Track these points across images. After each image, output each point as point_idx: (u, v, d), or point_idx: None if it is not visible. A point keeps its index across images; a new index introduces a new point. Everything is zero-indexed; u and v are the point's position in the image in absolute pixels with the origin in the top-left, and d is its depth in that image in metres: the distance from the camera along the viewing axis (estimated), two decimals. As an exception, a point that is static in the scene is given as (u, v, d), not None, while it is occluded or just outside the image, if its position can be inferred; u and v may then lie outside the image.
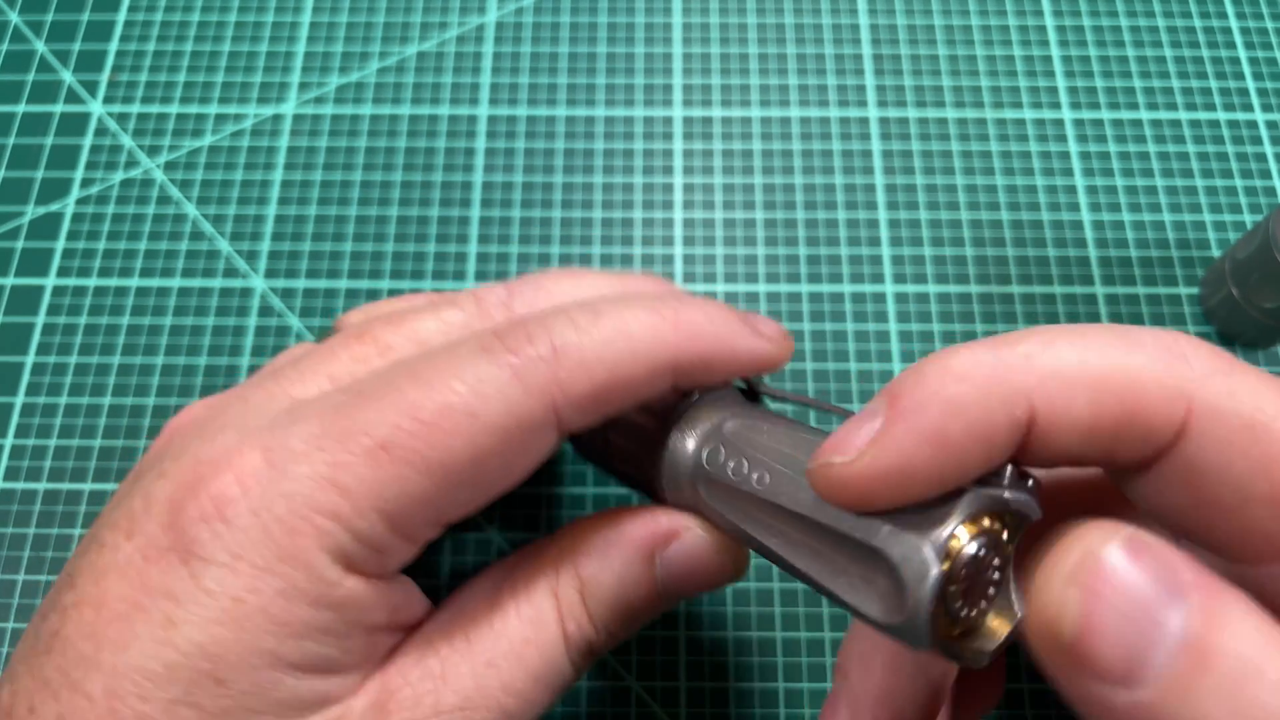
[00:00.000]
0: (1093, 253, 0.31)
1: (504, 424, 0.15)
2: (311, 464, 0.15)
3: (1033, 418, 0.13)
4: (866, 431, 0.14)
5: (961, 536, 0.13)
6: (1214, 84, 0.34)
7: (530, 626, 0.17)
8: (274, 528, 0.15)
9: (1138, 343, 0.13)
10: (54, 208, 0.31)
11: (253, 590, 0.14)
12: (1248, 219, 0.31)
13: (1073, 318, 0.30)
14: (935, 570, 0.13)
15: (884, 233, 0.31)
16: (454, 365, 0.16)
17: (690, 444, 0.18)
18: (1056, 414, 0.13)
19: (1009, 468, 0.14)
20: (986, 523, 0.14)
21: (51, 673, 0.14)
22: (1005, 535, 0.14)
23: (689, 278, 0.31)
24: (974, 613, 0.14)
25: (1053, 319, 0.30)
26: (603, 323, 0.16)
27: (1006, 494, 0.14)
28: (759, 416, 0.18)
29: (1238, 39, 0.34)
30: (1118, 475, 0.14)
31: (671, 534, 0.18)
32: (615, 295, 0.18)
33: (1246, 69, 0.34)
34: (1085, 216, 0.31)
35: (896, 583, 0.13)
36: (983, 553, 0.13)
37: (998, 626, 0.14)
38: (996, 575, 0.14)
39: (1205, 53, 0.34)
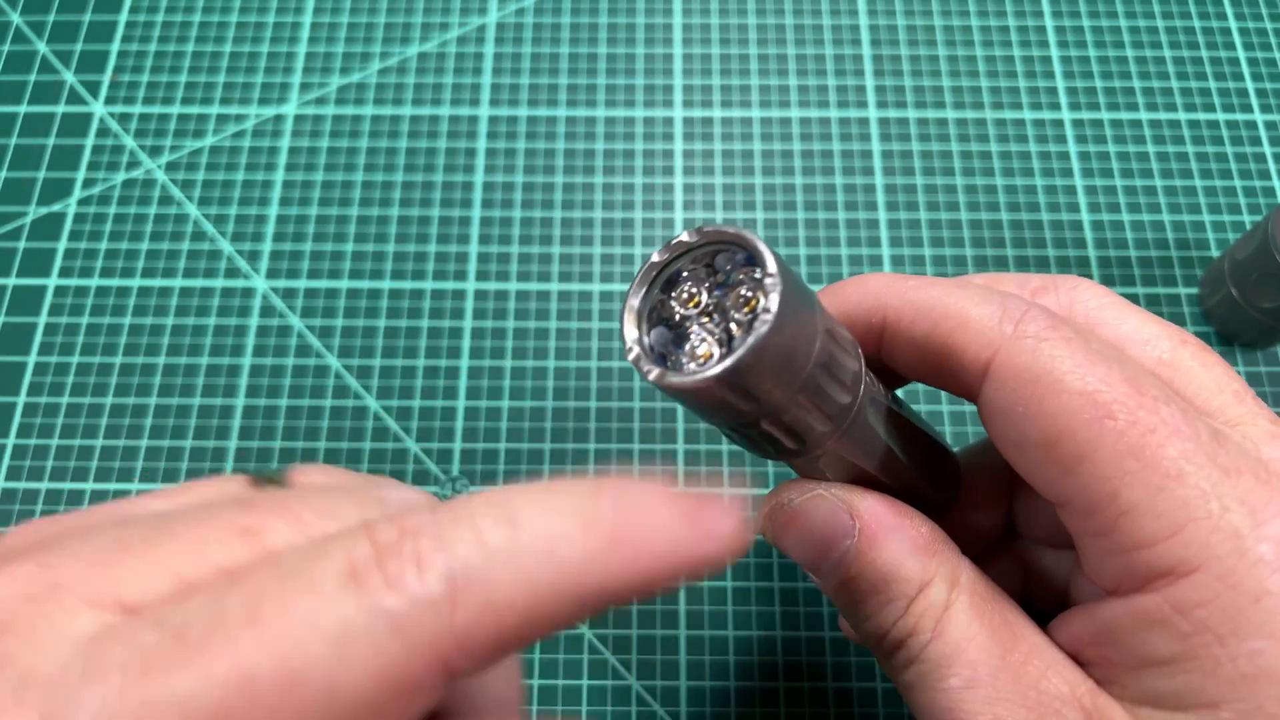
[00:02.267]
0: (1092, 253, 0.31)
1: (373, 698, 0.11)
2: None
3: (884, 328, 0.17)
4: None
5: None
6: (1213, 85, 0.34)
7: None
8: None
9: (985, 300, 0.16)
10: (56, 208, 0.31)
11: None
12: (1247, 219, 0.31)
13: (1072, 318, 0.30)
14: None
15: (884, 233, 0.31)
16: (308, 606, 0.11)
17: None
18: (900, 329, 0.17)
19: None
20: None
21: None
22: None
23: (689, 278, 0.31)
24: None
25: (1052, 319, 0.30)
26: (519, 541, 0.12)
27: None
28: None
29: (1237, 40, 0.34)
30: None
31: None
32: (536, 489, 0.13)
33: (1246, 70, 0.34)
34: (1085, 217, 0.32)
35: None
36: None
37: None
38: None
39: (1205, 53, 0.34)
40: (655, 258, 0.16)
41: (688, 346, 0.16)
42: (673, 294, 0.16)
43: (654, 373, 0.15)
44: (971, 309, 0.16)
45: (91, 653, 0.11)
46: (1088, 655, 0.16)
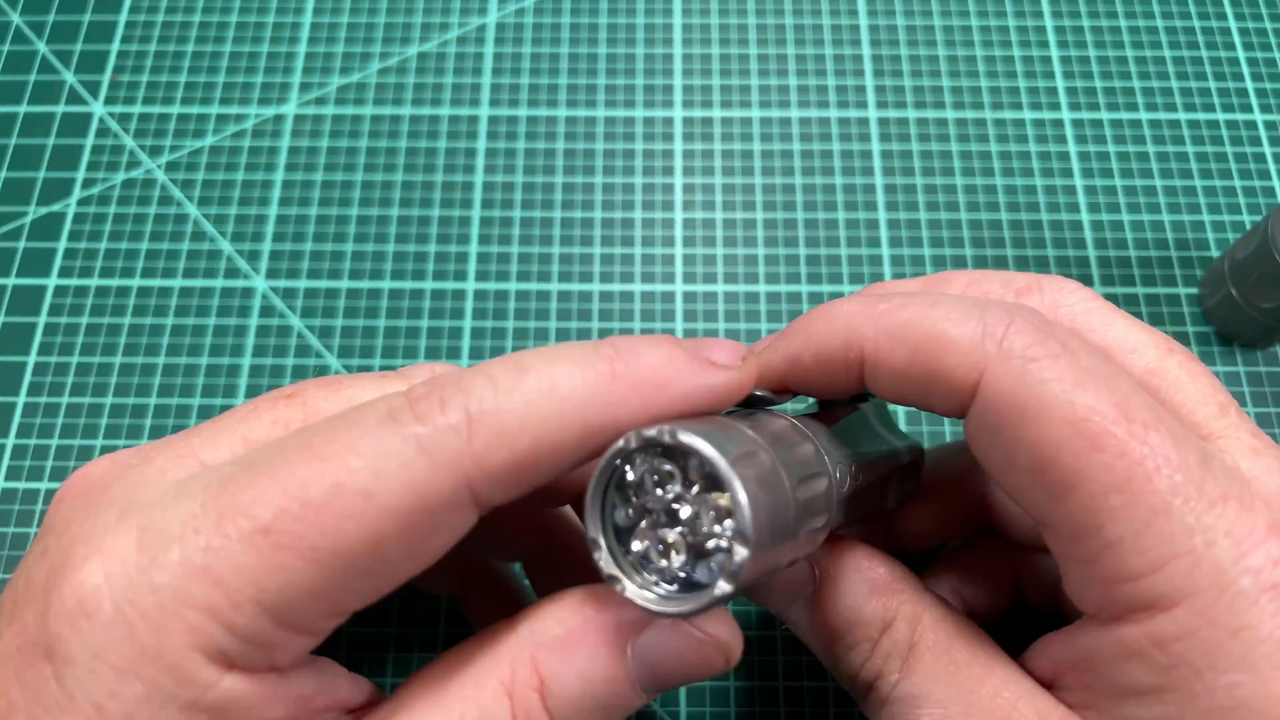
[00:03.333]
0: (1092, 253, 0.31)
1: (405, 505, 0.13)
2: (185, 549, 0.13)
3: (864, 361, 0.16)
4: (759, 347, 0.18)
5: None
6: (1213, 84, 0.34)
7: None
8: (138, 624, 0.13)
9: (964, 316, 0.16)
10: (56, 208, 0.31)
11: (113, 695, 0.13)
12: (1247, 219, 0.31)
13: (1072, 318, 0.30)
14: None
15: (884, 233, 0.31)
16: (352, 435, 0.14)
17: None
18: (880, 360, 0.16)
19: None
20: None
21: None
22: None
23: (689, 278, 0.31)
24: None
25: (1052, 319, 0.30)
26: (527, 381, 0.14)
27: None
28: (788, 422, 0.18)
29: (1237, 40, 0.34)
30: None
31: (644, 619, 0.15)
32: (547, 348, 0.16)
33: (1245, 70, 0.34)
34: (1085, 217, 0.32)
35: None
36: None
37: None
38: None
39: (1204, 53, 0.34)
40: (602, 464, 0.14)
41: (656, 547, 0.14)
42: (632, 495, 0.15)
43: (649, 599, 0.14)
44: (952, 330, 0.15)
45: (182, 486, 0.14)
46: (1066, 681, 0.16)
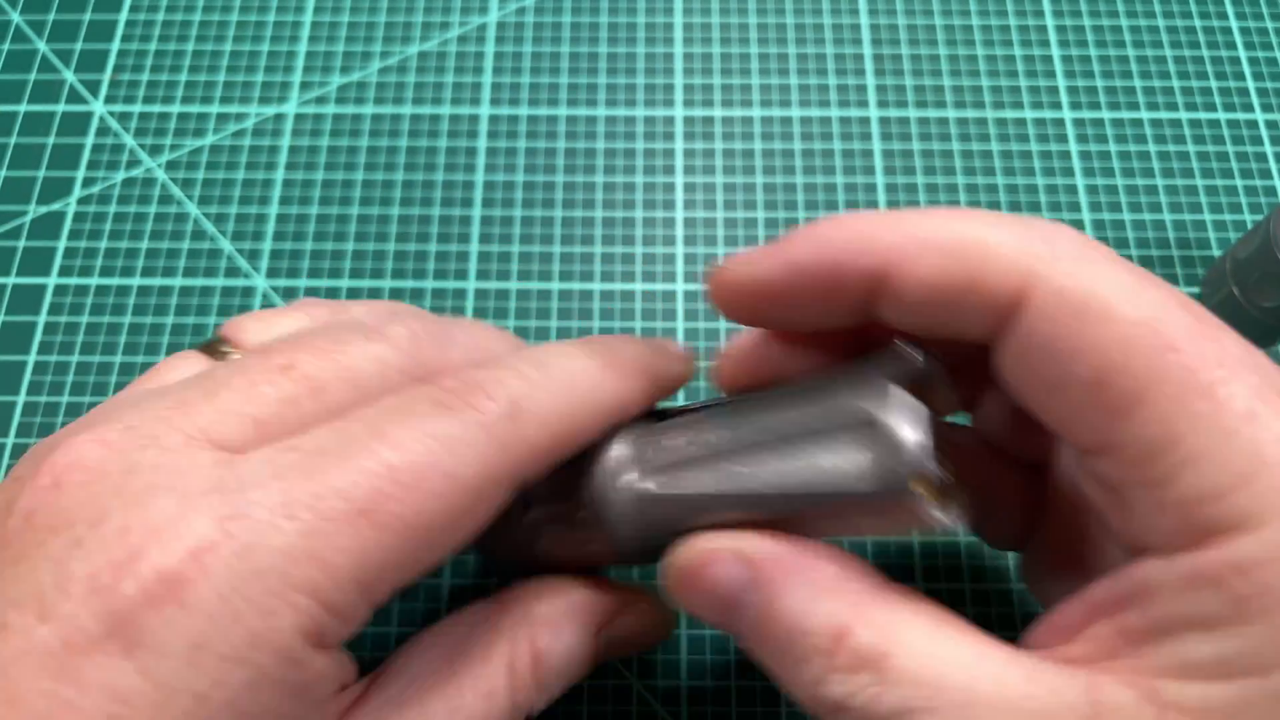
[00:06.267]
0: (1093, 252, 0.31)
1: (478, 484, 0.15)
2: (284, 535, 0.13)
3: (886, 272, 0.15)
4: (742, 258, 0.17)
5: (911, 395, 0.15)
6: (1214, 84, 0.34)
7: (484, 700, 0.16)
8: (246, 611, 0.13)
9: (999, 221, 0.14)
10: (56, 207, 0.31)
11: (218, 684, 0.13)
12: (1248, 218, 0.31)
13: (1073, 317, 0.30)
14: (925, 412, 0.14)
15: (885, 232, 0.31)
16: (420, 423, 0.15)
17: (620, 448, 0.18)
18: (905, 270, 0.14)
19: (899, 345, 0.15)
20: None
21: None
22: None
23: (690, 277, 0.31)
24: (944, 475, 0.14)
25: (1053, 318, 0.30)
26: (552, 374, 0.16)
27: (920, 360, 0.15)
28: (659, 417, 0.19)
29: (1238, 39, 0.34)
30: (990, 355, 0.15)
31: (620, 610, 0.18)
32: (549, 345, 0.18)
33: (1246, 69, 0.34)
34: (1086, 216, 0.32)
35: (885, 442, 0.14)
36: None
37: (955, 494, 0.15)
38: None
39: (1205, 52, 0.34)
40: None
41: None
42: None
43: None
44: (991, 233, 0.14)
45: (236, 471, 0.14)
46: (1093, 631, 0.14)
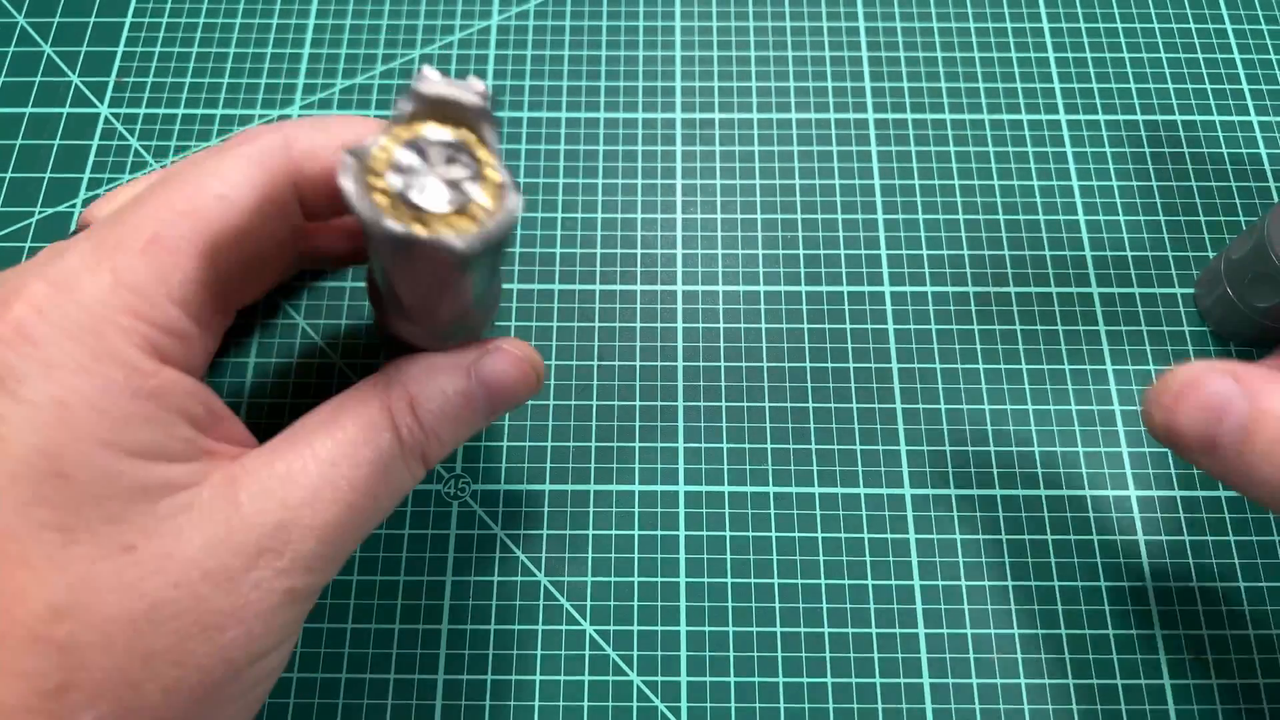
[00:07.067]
0: (1089, 253, 0.31)
1: (252, 201, 0.18)
2: (96, 274, 0.16)
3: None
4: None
5: (386, 145, 0.16)
6: (1209, 86, 0.34)
7: (366, 430, 0.18)
8: (81, 335, 0.16)
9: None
10: (62, 209, 0.32)
11: (74, 390, 0.16)
12: (1242, 220, 0.32)
13: (1068, 317, 0.30)
14: (350, 160, 0.16)
15: (882, 234, 0.32)
16: (193, 165, 0.18)
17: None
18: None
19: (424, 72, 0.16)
20: (422, 131, 0.16)
21: None
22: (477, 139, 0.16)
23: (689, 278, 0.31)
24: (442, 206, 0.16)
25: (1049, 318, 0.30)
26: (324, 123, 0.19)
27: (420, 88, 0.16)
28: None
29: (1233, 41, 0.35)
30: None
31: (482, 354, 0.21)
32: (336, 116, 0.23)
33: (1241, 71, 0.34)
34: (1081, 217, 0.32)
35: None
36: (417, 153, 0.16)
37: (473, 215, 0.16)
38: (469, 175, 0.16)
39: (1200, 55, 0.34)
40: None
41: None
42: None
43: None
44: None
45: (62, 247, 0.17)
46: None
